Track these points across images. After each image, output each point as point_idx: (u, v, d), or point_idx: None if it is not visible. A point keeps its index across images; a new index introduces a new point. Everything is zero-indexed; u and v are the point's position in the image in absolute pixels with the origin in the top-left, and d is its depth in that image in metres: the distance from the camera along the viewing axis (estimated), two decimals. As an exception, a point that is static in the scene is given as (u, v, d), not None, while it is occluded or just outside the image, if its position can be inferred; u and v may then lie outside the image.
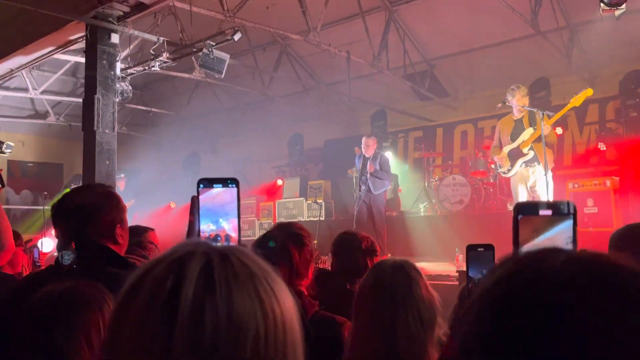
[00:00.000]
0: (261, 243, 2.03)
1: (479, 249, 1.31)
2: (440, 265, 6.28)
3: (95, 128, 6.52)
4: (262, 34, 9.17)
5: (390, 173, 7.97)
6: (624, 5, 4.26)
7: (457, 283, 4.38)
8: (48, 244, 7.16)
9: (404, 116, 11.29)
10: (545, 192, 5.43)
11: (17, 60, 8.71)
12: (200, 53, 7.12)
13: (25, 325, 1.27)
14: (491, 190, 8.53)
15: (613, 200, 6.67)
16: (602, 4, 4.21)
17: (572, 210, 0.85)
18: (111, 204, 1.86)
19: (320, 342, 1.75)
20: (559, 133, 5.54)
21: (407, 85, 10.26)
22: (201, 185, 1.16)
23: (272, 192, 11.87)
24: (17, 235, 3.39)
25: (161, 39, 7.45)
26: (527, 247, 0.84)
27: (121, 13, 6.71)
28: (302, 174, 12.26)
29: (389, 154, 8.78)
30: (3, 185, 2.45)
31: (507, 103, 5.50)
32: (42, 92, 10.95)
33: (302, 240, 2.06)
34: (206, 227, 1.17)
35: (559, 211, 0.85)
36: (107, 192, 1.92)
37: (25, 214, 12.72)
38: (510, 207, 7.74)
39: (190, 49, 7.47)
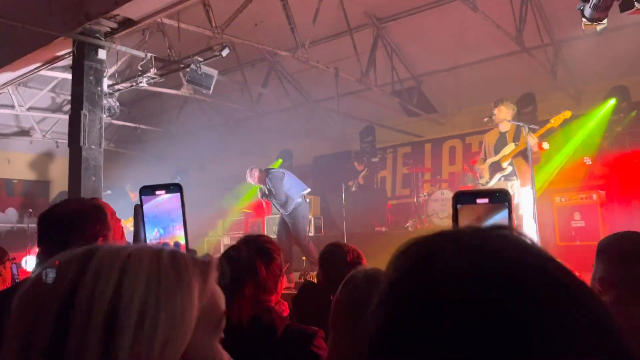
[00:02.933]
0: (226, 257, 1.98)
1: None
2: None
3: (81, 144, 6.46)
4: (250, 50, 9.21)
5: (280, 191, 7.15)
6: (605, 21, 4.35)
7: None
8: (32, 262, 7.05)
9: (393, 132, 11.34)
10: (524, 206, 5.46)
11: (3, 77, 8.65)
12: (188, 69, 7.12)
13: None
14: (479, 205, 8.57)
15: (600, 214, 6.72)
16: (583, 19, 4.29)
17: (507, 199, 0.88)
18: (99, 217, 1.80)
19: (291, 354, 1.72)
20: (545, 148, 5.57)
21: (395, 102, 10.32)
22: (143, 193, 1.13)
23: (261, 208, 11.80)
24: (3, 252, 3.35)
25: (149, 55, 7.44)
26: None
27: (108, 29, 6.70)
28: (291, 190, 12.23)
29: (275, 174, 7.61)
30: None
31: (493, 118, 5.55)
32: (28, 109, 10.88)
33: (271, 254, 2.02)
34: (153, 236, 1.13)
35: (496, 199, 0.88)
36: (97, 205, 1.86)
37: (10, 232, 12.54)
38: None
39: (178, 65, 7.48)
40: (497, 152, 5.85)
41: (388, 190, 11.49)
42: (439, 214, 8.67)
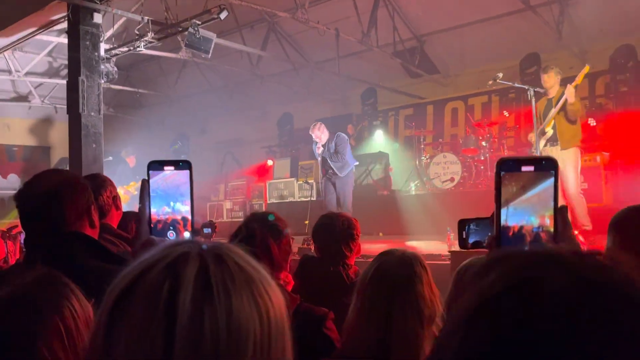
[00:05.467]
0: (238, 237, 1.97)
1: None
2: (431, 245, 6.29)
3: (80, 111, 6.39)
4: (249, 11, 9.00)
5: (344, 153, 7.29)
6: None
7: (449, 262, 4.38)
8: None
9: (394, 94, 11.21)
10: (565, 170, 5.49)
11: (-2, 42, 8.51)
12: (186, 32, 6.98)
13: None
14: (482, 167, 8.53)
15: (603, 176, 6.70)
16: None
17: (554, 167, 0.85)
18: (83, 185, 1.74)
19: (303, 336, 1.73)
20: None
21: (397, 63, 10.16)
22: (151, 168, 1.10)
23: (263, 172, 11.81)
24: None
25: (146, 18, 7.28)
26: (512, 205, 0.84)
27: (103, -9, 6.54)
28: (292, 154, 12.20)
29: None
30: None
31: (497, 80, 5.45)
32: (26, 74, 10.74)
33: (280, 231, 2.02)
34: (161, 211, 1.10)
35: (541, 167, 0.84)
36: (74, 176, 1.81)
37: (12, 198, 12.59)
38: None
39: (176, 29, 7.32)
40: (544, 118, 5.82)
41: (389, 153, 11.43)
42: (441, 177, 8.65)
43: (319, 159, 7.42)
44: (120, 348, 0.59)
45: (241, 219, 10.52)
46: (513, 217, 0.84)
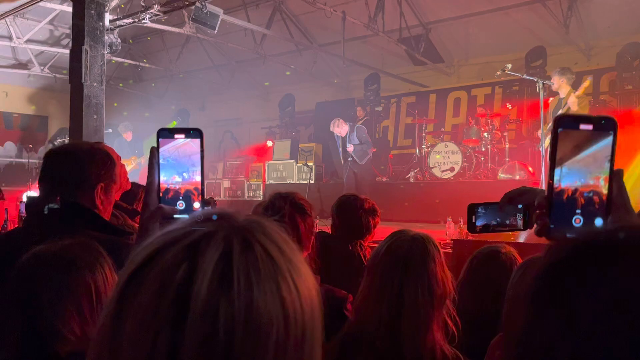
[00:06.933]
0: (268, 212, 1.96)
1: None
2: (431, 233, 6.30)
3: (83, 81, 6.31)
4: (256, -11, 8.91)
5: (368, 142, 8.28)
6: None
7: (450, 251, 4.39)
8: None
9: (398, 81, 11.16)
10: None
11: (0, 7, 8.38)
12: (193, 7, 6.90)
13: (10, 289, 1.20)
14: (482, 158, 8.53)
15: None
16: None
17: (614, 127, 0.81)
18: (105, 163, 1.74)
19: (326, 317, 1.73)
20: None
21: (401, 49, 10.10)
22: (161, 136, 1.06)
23: (262, 153, 11.77)
24: None
25: (152, -10, 7.19)
26: (566, 165, 0.81)
27: (111, -39, 6.44)
28: (292, 136, 12.15)
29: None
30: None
31: (505, 71, 5.43)
32: (27, 42, 10.60)
33: (305, 210, 2.00)
34: (171, 180, 1.07)
35: (600, 126, 0.81)
36: (105, 151, 1.78)
37: (9, 166, 12.52)
38: (502, 175, 7.78)
39: (183, 2, 7.23)
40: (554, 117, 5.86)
41: (390, 140, 11.43)
42: (440, 166, 8.65)
43: (340, 150, 8.42)
44: (127, 333, 0.54)
45: (239, 199, 10.46)
46: (566, 178, 0.82)
